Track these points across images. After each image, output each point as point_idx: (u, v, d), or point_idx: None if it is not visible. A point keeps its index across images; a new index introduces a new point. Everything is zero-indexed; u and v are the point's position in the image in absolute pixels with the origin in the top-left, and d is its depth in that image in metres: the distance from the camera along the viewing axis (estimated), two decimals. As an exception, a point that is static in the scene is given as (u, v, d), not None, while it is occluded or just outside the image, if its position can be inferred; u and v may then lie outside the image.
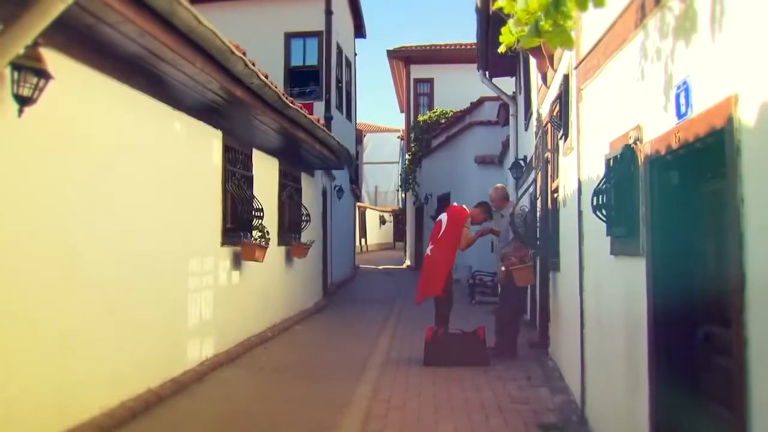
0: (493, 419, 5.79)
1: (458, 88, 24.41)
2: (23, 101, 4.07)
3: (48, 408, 4.70)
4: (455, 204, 9.63)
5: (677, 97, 3.17)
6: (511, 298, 8.91)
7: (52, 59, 4.34)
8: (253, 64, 6.93)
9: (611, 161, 4.19)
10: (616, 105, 4.37)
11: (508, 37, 3.43)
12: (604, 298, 4.78)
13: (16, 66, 3.95)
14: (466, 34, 59.14)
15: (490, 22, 10.54)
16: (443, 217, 9.24)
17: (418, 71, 27.94)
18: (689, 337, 3.42)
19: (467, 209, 9.31)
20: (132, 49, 5.22)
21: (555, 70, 7.22)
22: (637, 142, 3.81)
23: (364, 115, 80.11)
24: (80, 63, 5.03)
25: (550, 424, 5.55)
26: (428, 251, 9.15)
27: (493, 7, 3.76)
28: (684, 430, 3.37)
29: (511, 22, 3.42)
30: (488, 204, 9.60)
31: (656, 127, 3.51)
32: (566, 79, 6.17)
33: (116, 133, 5.71)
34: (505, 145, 16.35)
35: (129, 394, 5.85)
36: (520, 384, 7.11)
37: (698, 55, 2.93)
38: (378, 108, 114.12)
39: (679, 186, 3.53)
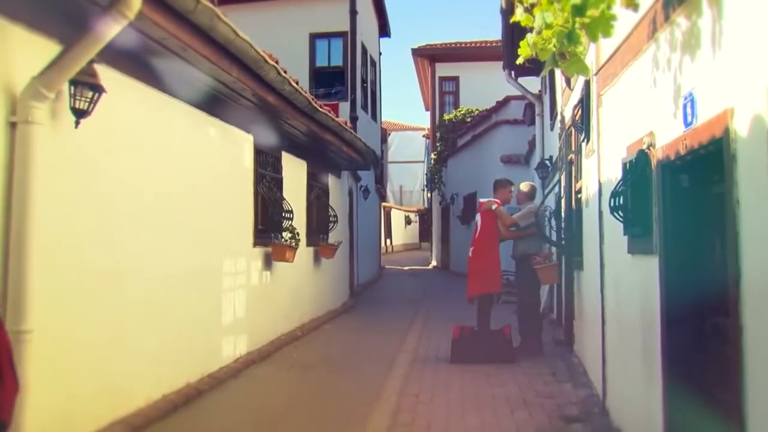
0: (518, 412, 6.04)
1: (484, 85, 24.50)
2: (79, 114, 4.42)
3: (101, 399, 5.04)
4: (482, 200, 9.50)
5: (684, 107, 3.41)
6: (527, 295, 9.11)
7: (102, 73, 4.66)
8: (285, 72, 7.24)
9: (628, 165, 4.43)
10: (632, 111, 4.61)
11: (525, 50, 3.68)
12: (622, 294, 5.03)
13: (72, 81, 4.28)
14: (492, 31, 59.07)
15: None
16: (478, 217, 9.26)
17: (443, 69, 28.00)
18: (699, 329, 3.65)
19: (495, 200, 9.27)
20: (173, 61, 5.55)
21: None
22: (651, 148, 4.05)
23: (388, 113, 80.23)
24: (125, 75, 5.37)
25: (573, 417, 5.79)
26: (470, 253, 9.13)
27: (512, 21, 4.00)
28: (693, 415, 3.60)
29: (529, 36, 3.67)
30: (503, 179, 9.73)
31: (667, 133, 3.75)
32: (587, 84, 6.40)
33: (157, 139, 6.05)
34: (532, 145, 16.49)
35: (170, 388, 6.18)
36: (545, 380, 7.33)
37: (702, 69, 3.17)
38: (403, 106, 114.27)
39: (689, 189, 3.76)
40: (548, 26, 3.46)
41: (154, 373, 5.96)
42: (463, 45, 27.72)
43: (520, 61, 3.87)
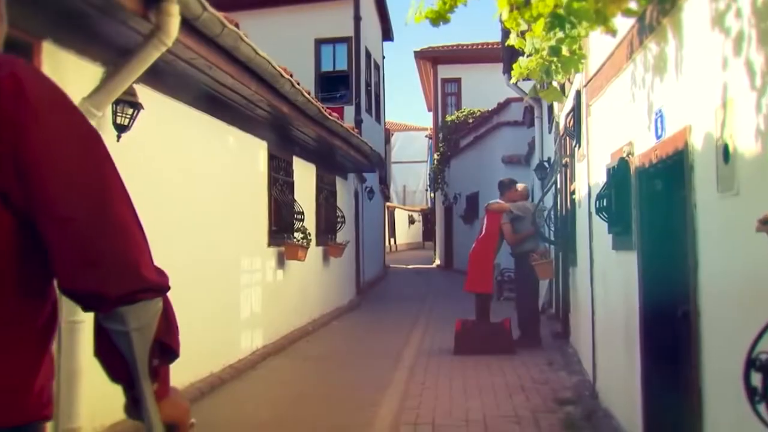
0: (516, 396, 6.57)
1: (485, 87, 24.86)
2: (121, 129, 4.94)
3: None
4: (492, 201, 10.03)
5: (656, 121, 3.93)
6: (525, 290, 9.63)
7: (138, 90, 5.19)
8: (298, 83, 7.77)
9: (611, 170, 4.95)
10: (615, 122, 5.13)
11: (518, 71, 4.20)
12: (608, 287, 5.55)
13: (115, 100, 4.80)
14: (492, 33, 59.48)
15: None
16: (485, 216, 9.85)
17: (446, 71, 28.36)
18: (671, 315, 4.16)
19: (503, 203, 9.76)
20: (200, 78, 6.08)
21: (571, 83, 7.95)
22: (630, 156, 4.57)
23: (391, 113, 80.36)
24: (156, 91, 5.88)
25: (566, 399, 6.32)
26: (472, 249, 9.76)
27: (507, 44, 4.52)
28: (666, 392, 4.11)
29: (521, 59, 4.20)
30: (507, 179, 10.26)
31: (643, 144, 4.27)
32: (578, 94, 6.91)
33: (183, 149, 6.58)
34: (531, 146, 16.94)
35: (196, 376, 6.71)
36: (542, 369, 7.86)
37: (668, 90, 3.70)
38: (405, 106, 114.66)
39: (662, 192, 4.28)
40: (537, 51, 4.00)
41: (182, 363, 6.40)
42: (464, 47, 28.08)
43: (513, 80, 4.40)
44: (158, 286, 1.41)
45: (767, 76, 2.48)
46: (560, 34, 2.91)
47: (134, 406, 1.47)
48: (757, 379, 2.21)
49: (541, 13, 3.13)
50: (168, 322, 1.45)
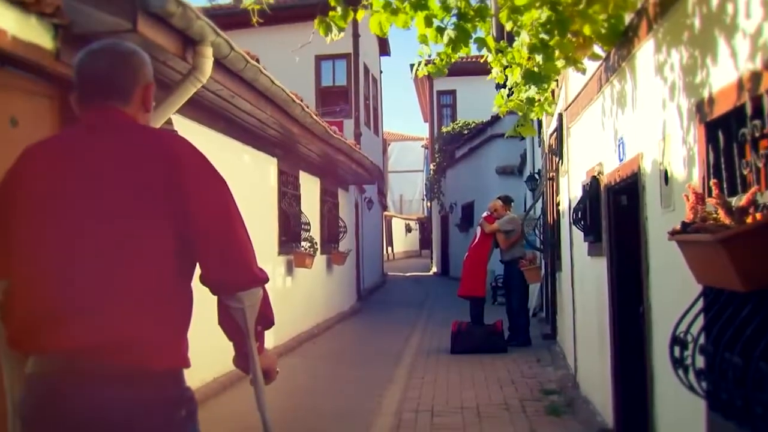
0: (506, 388, 7.30)
1: (480, 98, 25.31)
2: (159, 153, 5.67)
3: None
4: (485, 214, 10.89)
5: (619, 146, 4.67)
6: (515, 294, 10.40)
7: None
8: (308, 107, 8.53)
9: (586, 186, 5.69)
10: (589, 144, 5.87)
11: (499, 101, 4.96)
12: (585, 289, 6.29)
13: (156, 129, 5.53)
14: (487, 44, 60.30)
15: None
16: (478, 229, 10.77)
17: (441, 83, 28.74)
18: (635, 311, 4.88)
19: (494, 225, 10.53)
20: (221, 104, 6.83)
21: (556, 104, 8.69)
22: (600, 174, 5.31)
23: (388, 123, 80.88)
24: (185, 117, 6.60)
25: (551, 390, 7.05)
26: (465, 257, 10.69)
27: (488, 78, 5.27)
28: (631, 375, 4.83)
29: (502, 91, 4.96)
30: (504, 196, 11.06)
31: (610, 165, 5.02)
32: (560, 116, 7.66)
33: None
34: (523, 158, 17.70)
35: (219, 372, 7.40)
36: (531, 365, 8.59)
37: (627, 121, 4.44)
38: (402, 116, 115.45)
39: (627, 206, 5.01)
40: (517, 85, 4.75)
41: (206, 360, 7.12)
42: (459, 60, 28.45)
43: (494, 110, 5.15)
44: (262, 279, 2.15)
45: (690, 120, 3.22)
46: (534, 88, 3.65)
47: (240, 359, 2.22)
48: (677, 351, 2.93)
49: (518, 62, 3.87)
50: (266, 302, 2.18)
